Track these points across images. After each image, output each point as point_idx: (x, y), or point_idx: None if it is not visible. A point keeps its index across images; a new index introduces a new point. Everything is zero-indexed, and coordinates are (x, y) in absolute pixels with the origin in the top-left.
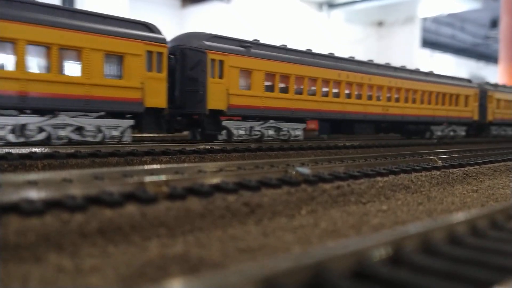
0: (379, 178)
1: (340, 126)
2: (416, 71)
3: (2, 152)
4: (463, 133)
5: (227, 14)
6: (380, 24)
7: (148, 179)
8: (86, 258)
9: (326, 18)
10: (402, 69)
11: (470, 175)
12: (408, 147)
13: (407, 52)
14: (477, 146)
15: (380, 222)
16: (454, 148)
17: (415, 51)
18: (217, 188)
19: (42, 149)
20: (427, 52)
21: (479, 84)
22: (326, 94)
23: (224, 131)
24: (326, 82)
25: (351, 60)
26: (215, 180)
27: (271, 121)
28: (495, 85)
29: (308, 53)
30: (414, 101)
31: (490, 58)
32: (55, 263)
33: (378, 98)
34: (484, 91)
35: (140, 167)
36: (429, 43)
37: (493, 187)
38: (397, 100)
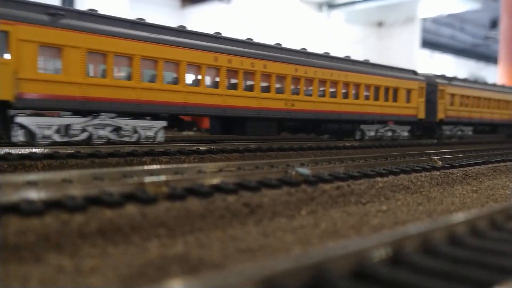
0: (379, 179)
1: (232, 124)
2: (338, 58)
3: (2, 152)
4: (406, 134)
5: (227, 14)
6: (380, 24)
7: (148, 179)
8: (86, 258)
9: (326, 18)
10: (318, 55)
11: (470, 175)
12: (408, 147)
13: (407, 52)
14: (476, 147)
15: (380, 222)
16: (454, 148)
17: (415, 52)
18: (217, 188)
19: (42, 149)
20: (427, 52)
21: (427, 76)
22: (196, 84)
23: (22, 131)
24: (195, 68)
25: (237, 41)
26: (215, 181)
27: (102, 117)
28: (449, 78)
29: (169, 28)
30: (334, 95)
31: (490, 58)
32: (55, 264)
33: (279, 90)
34: (433, 85)
35: (140, 168)
36: (429, 43)
37: (492, 188)
38: (309, 93)
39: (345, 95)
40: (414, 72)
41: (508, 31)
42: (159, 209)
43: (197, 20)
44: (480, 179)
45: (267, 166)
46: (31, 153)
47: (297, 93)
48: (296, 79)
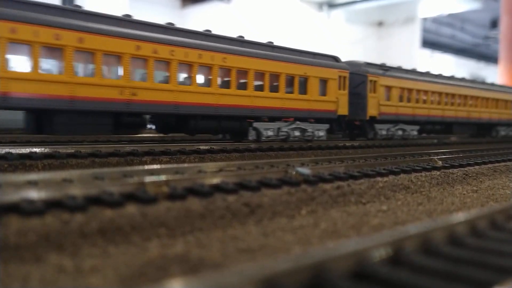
0: (379, 178)
1: (42, 120)
2: (217, 36)
3: (2, 152)
4: (322, 134)
5: (227, 14)
6: (380, 24)
7: (148, 179)
8: (86, 258)
9: (326, 18)
10: (181, 30)
11: (470, 175)
12: (408, 147)
13: (407, 52)
14: (477, 147)
15: (380, 222)
16: (454, 148)
17: (415, 51)
18: (217, 188)
19: (42, 149)
20: (427, 52)
21: (353, 64)
22: None
23: None
24: None
25: (32, 3)
26: (215, 180)
27: None
28: (384, 67)
29: None
30: (207, 83)
31: (490, 58)
32: (55, 263)
33: (111, 75)
34: (361, 75)
35: (140, 167)
36: (429, 43)
37: (493, 188)
38: (163, 79)
39: (225, 84)
40: (335, 59)
41: (508, 31)
42: (160, 209)
43: (197, 19)
44: (480, 179)
45: (267, 165)
46: (31, 152)
47: (144, 79)
48: (140, 61)
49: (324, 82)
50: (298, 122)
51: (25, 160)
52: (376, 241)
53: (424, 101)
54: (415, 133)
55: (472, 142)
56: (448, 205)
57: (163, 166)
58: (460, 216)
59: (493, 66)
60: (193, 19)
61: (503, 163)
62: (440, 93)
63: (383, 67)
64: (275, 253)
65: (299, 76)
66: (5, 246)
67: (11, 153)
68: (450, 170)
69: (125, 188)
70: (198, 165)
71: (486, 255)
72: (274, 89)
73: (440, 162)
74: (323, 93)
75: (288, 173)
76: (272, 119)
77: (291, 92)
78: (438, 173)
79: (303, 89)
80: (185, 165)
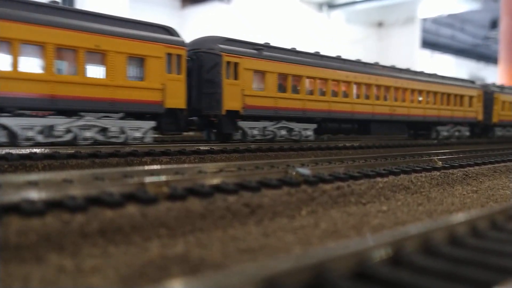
0: (379, 179)
1: None
2: None
3: (3, 152)
4: (139, 135)
5: (228, 14)
6: (380, 24)
7: (148, 179)
8: (87, 258)
9: (326, 18)
10: None
11: (470, 175)
12: (408, 147)
13: (407, 52)
14: (477, 147)
15: (380, 222)
16: (454, 148)
17: (415, 52)
18: (218, 188)
19: (43, 149)
20: (427, 52)
21: (207, 39)
22: None
23: None
24: None
25: None
26: (216, 181)
27: None
28: (258, 46)
29: None
30: None
31: (490, 58)
32: (56, 264)
33: None
34: (214, 54)
35: (141, 168)
36: (429, 43)
37: (493, 188)
38: None
39: None
40: (167, 30)
41: (508, 32)
42: (160, 209)
43: (197, 20)
44: (480, 180)
45: (267, 166)
46: (31, 153)
47: None
48: None
49: (138, 61)
50: (88, 118)
51: (25, 160)
52: (377, 241)
53: (323, 93)
54: (309, 133)
55: (472, 143)
56: (448, 205)
57: (163, 166)
58: (460, 217)
59: (493, 67)
60: (193, 20)
61: (503, 164)
62: (348, 83)
63: (256, 45)
64: (275, 253)
65: (86, 50)
66: (6, 246)
67: (11, 154)
68: (450, 171)
69: (125, 188)
70: (198, 165)
71: (487, 256)
72: (38, 67)
73: (440, 163)
74: (139, 76)
75: (288, 174)
76: (65, 113)
77: (74, 74)
78: (438, 173)
79: (98, 70)
80: (185, 165)
